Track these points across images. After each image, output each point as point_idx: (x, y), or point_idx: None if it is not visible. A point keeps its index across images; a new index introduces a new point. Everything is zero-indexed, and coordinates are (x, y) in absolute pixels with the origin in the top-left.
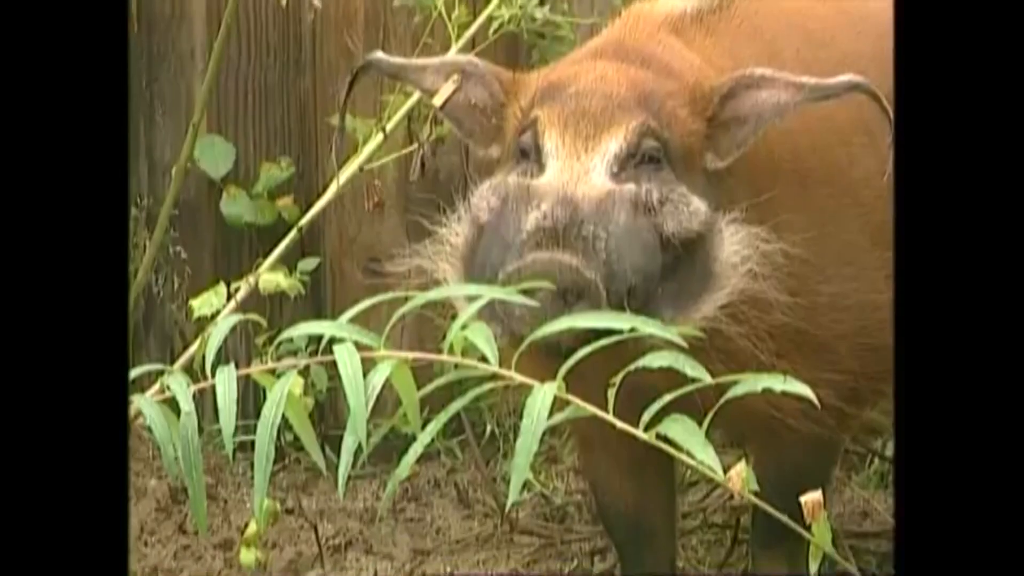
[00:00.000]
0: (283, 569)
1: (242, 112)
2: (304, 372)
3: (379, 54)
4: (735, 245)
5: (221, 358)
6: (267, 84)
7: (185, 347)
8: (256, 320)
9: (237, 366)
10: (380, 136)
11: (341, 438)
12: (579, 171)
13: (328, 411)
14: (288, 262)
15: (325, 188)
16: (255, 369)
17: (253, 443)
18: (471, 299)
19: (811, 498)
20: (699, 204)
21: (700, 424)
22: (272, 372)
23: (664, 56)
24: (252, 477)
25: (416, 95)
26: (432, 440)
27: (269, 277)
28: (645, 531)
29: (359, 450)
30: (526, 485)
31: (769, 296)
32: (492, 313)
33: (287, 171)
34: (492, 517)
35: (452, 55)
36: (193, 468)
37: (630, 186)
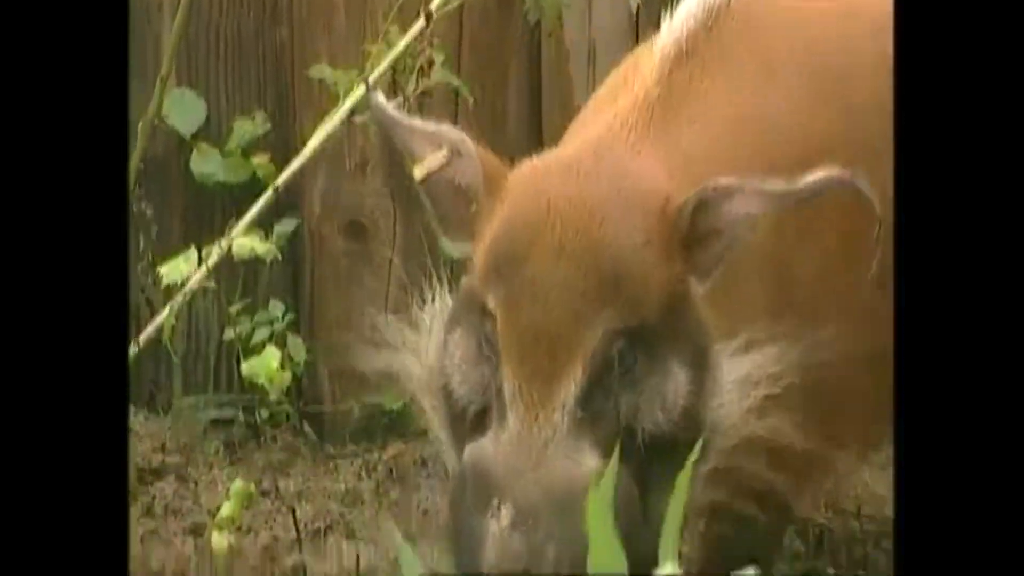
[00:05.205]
0: (258, 555)
1: (214, 64)
2: (281, 344)
3: (379, 97)
4: (736, 389)
5: (193, 327)
6: (241, 34)
7: (152, 315)
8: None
9: (209, 335)
10: (362, 88)
11: (320, 415)
12: (537, 443)
13: (306, 386)
14: (264, 225)
15: (303, 145)
16: None
17: (225, 420)
18: None
19: None
20: (679, 379)
21: None
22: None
23: (636, 174)
24: (225, 455)
25: (402, 44)
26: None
27: (243, 241)
28: None
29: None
30: None
31: (782, 430)
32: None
33: (262, 127)
34: None
35: (446, 125)
36: None
37: (593, 462)
